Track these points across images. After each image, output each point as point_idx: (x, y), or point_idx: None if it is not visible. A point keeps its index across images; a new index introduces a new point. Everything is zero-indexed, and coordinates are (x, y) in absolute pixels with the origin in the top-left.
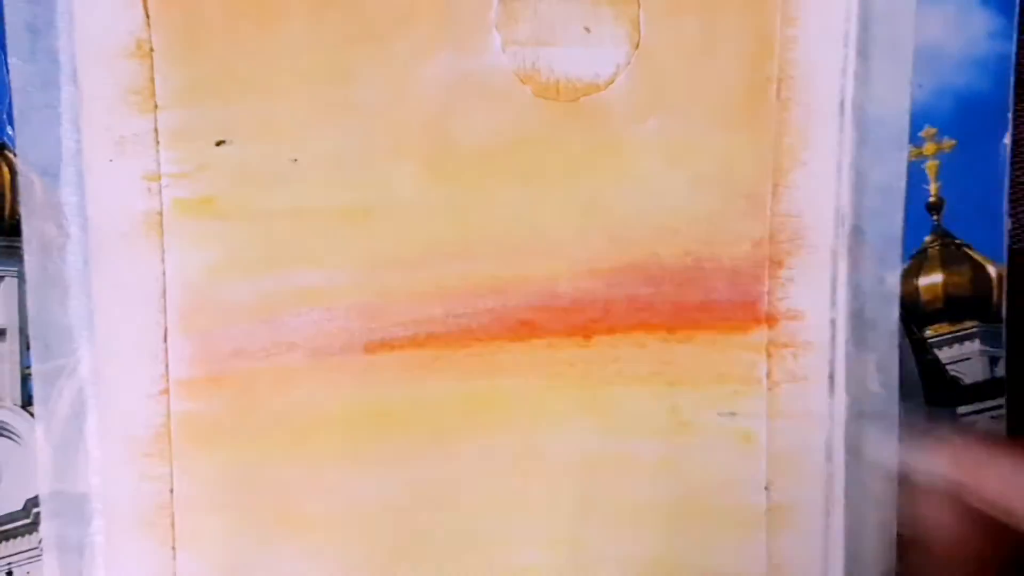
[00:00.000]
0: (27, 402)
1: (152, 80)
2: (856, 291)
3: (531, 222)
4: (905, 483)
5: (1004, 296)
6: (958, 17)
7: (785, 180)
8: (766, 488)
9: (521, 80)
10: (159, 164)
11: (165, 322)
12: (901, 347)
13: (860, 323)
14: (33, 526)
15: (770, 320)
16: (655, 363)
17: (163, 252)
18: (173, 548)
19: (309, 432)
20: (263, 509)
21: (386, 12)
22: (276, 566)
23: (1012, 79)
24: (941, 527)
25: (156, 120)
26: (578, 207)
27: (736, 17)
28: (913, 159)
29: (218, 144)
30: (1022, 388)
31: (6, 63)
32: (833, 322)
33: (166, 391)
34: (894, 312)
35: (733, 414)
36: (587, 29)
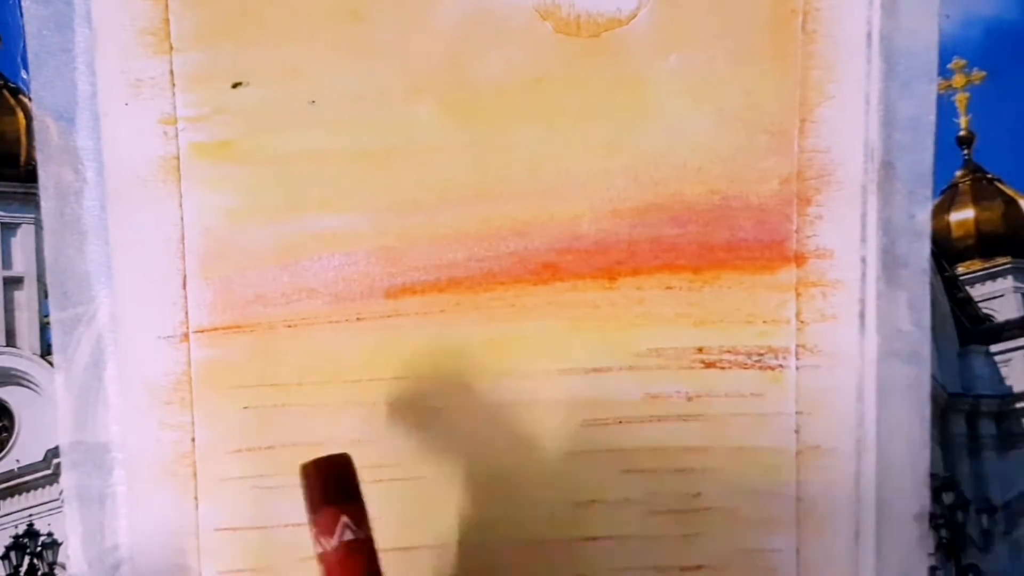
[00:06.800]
0: (46, 351)
1: (167, 20)
2: (886, 228)
3: (552, 162)
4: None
5: None
6: None
7: (812, 115)
8: (796, 430)
9: (541, 16)
10: (175, 107)
11: (184, 268)
12: (932, 285)
13: (891, 260)
14: (54, 477)
15: (799, 259)
16: (681, 304)
17: (180, 197)
18: (195, 498)
19: (331, 379)
20: (286, 457)
21: None
22: (299, 514)
23: None
24: None
25: (172, 62)
26: (600, 146)
27: None
28: (942, 91)
29: (235, 86)
30: None
31: (20, 5)
32: (863, 260)
33: (186, 338)
34: (925, 249)
35: (761, 355)
36: None
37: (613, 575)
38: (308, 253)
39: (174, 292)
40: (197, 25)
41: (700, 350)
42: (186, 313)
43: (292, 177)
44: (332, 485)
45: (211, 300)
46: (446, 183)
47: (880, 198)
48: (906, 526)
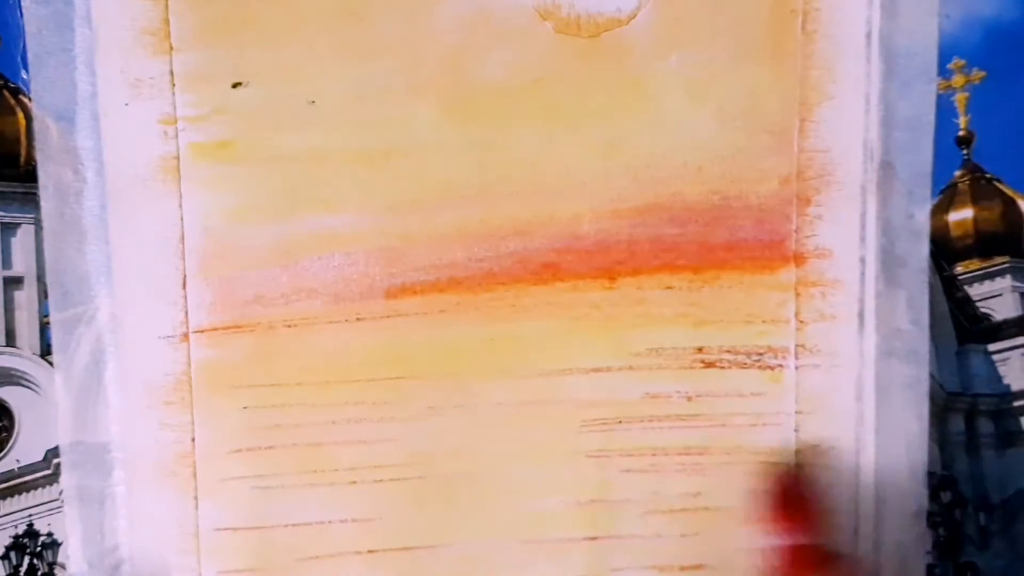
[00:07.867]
0: (46, 351)
1: (167, 21)
2: (885, 228)
3: (552, 162)
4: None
5: None
6: None
7: (812, 115)
8: (795, 429)
9: (541, 16)
10: (175, 107)
11: (184, 268)
12: (931, 284)
13: (890, 260)
14: (54, 477)
15: (798, 259)
16: (681, 304)
17: (180, 197)
18: (195, 498)
19: (331, 379)
20: (285, 457)
21: None
22: (299, 514)
23: None
24: None
25: (172, 62)
26: (600, 146)
27: None
28: (942, 91)
29: (234, 86)
30: None
31: (20, 5)
32: (862, 260)
33: (186, 338)
34: (924, 248)
35: (761, 355)
36: None
37: (613, 575)
38: (308, 253)
39: (174, 292)
40: (197, 25)
41: (700, 350)
42: (186, 313)
43: (292, 177)
44: (788, 497)
45: (211, 300)
46: (446, 183)
47: (879, 198)
48: (904, 524)
